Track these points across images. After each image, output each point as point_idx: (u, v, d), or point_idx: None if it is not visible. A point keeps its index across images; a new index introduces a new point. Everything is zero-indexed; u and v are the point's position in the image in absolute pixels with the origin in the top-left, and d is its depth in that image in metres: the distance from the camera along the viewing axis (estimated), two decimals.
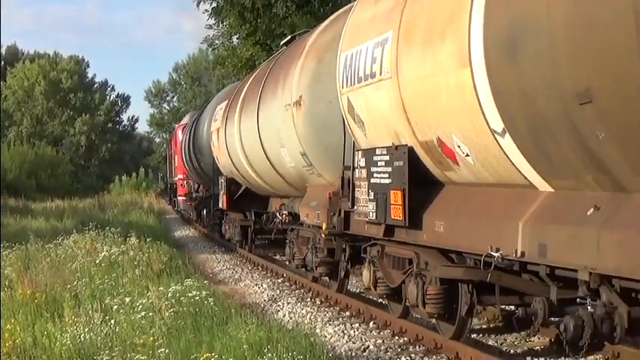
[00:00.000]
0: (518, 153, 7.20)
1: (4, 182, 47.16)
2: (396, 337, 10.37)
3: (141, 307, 10.51)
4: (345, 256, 12.65)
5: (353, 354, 9.58)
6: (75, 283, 13.06)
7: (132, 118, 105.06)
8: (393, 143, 9.40)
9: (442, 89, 7.98)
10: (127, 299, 11.15)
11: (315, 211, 12.81)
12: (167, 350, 8.31)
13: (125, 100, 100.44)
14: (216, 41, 32.07)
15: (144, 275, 13.89)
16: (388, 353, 9.63)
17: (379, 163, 9.70)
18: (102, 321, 10.10)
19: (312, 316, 12.16)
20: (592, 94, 5.86)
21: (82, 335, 9.33)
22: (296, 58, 13.95)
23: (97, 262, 14.91)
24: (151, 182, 75.86)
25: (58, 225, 26.65)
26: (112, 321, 9.99)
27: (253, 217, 20.34)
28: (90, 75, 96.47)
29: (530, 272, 7.74)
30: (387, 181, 9.44)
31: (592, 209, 6.47)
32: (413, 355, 9.48)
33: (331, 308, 12.83)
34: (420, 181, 9.02)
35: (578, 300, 7.04)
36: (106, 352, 8.56)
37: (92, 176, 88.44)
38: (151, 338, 8.86)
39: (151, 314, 10.15)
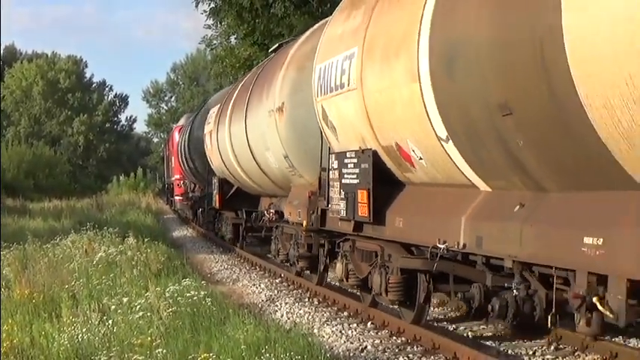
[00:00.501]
0: (460, 157, 8.23)
1: (3, 182, 47.11)
2: (394, 337, 10.37)
3: (139, 307, 10.51)
4: (324, 251, 13.48)
5: (351, 354, 9.58)
6: (73, 283, 13.05)
7: (130, 118, 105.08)
8: (360, 147, 10.41)
9: (397, 100, 9.00)
10: (125, 299, 11.14)
11: (297, 210, 13.76)
12: (165, 350, 8.31)
13: (123, 100, 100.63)
14: (214, 41, 32.09)
15: (142, 275, 13.87)
16: (386, 353, 9.62)
17: (349, 165, 10.67)
18: (99, 321, 10.09)
19: (310, 317, 12.15)
20: (511, 107, 6.86)
21: (80, 335, 9.32)
22: (279, 67, 15.08)
23: (95, 262, 14.89)
24: (149, 182, 75.80)
25: (55, 225, 26.64)
26: (110, 321, 9.98)
27: (244, 216, 21.28)
28: (88, 75, 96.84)
29: (472, 262, 8.72)
30: (356, 181, 10.40)
31: (518, 206, 7.51)
32: (411, 355, 9.48)
33: (329, 308, 12.84)
34: (384, 181, 9.99)
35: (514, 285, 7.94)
36: (104, 352, 8.56)
37: (90, 176, 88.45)
38: (149, 338, 8.86)
39: (148, 314, 10.15)
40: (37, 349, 9.14)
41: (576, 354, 9.35)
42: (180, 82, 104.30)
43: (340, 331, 10.91)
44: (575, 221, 6.72)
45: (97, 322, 10.02)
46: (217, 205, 22.66)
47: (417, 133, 8.82)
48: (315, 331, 10.86)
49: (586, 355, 9.19)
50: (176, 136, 37.98)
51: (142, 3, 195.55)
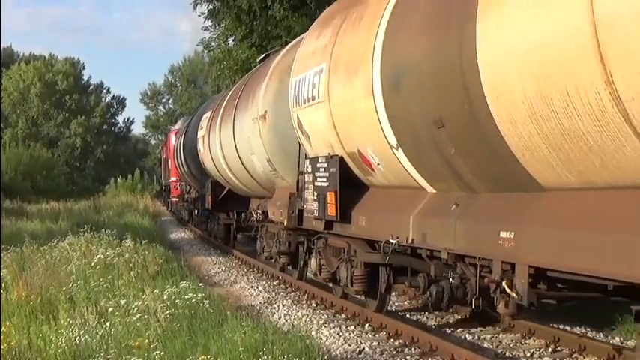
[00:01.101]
0: (409, 163, 9.39)
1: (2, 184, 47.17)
2: (392, 340, 10.40)
3: (136, 309, 10.50)
4: (303, 248, 14.50)
5: (348, 356, 9.61)
6: (70, 285, 13.03)
7: (127, 120, 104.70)
8: (329, 153, 11.52)
9: (357, 112, 10.10)
10: (123, 301, 11.13)
11: (280, 210, 14.76)
12: (162, 353, 8.31)
13: (121, 102, 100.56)
14: (212, 43, 32.08)
15: (139, 277, 13.89)
16: (384, 355, 9.65)
17: (320, 170, 11.77)
18: (97, 323, 10.09)
19: (308, 319, 12.16)
20: (443, 121, 8.04)
21: (78, 337, 9.32)
22: (262, 77, 16.33)
23: (93, 264, 14.87)
24: (147, 184, 75.77)
25: (53, 227, 26.60)
26: (108, 323, 9.97)
27: (235, 216, 22.61)
28: (85, 77, 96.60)
29: (419, 255, 9.82)
30: (326, 184, 11.56)
31: (454, 206, 8.66)
32: (408, 357, 9.52)
33: (327, 310, 12.85)
34: (350, 184, 11.15)
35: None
36: (102, 354, 8.56)
37: (88, 178, 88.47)
38: (147, 340, 8.85)
39: (146, 316, 10.14)
40: (34, 351, 9.13)
41: (574, 356, 9.45)
42: (178, 84, 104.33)
43: (338, 333, 10.93)
44: (495, 218, 7.90)
45: (94, 324, 10.01)
46: (210, 206, 24.05)
47: (373, 141, 9.94)
48: (313, 333, 10.85)
49: (584, 357, 9.21)
50: (173, 139, 38.98)
51: (139, 5, 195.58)
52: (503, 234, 7.55)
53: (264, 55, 19.74)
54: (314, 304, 13.48)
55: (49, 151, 78.14)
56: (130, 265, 14.89)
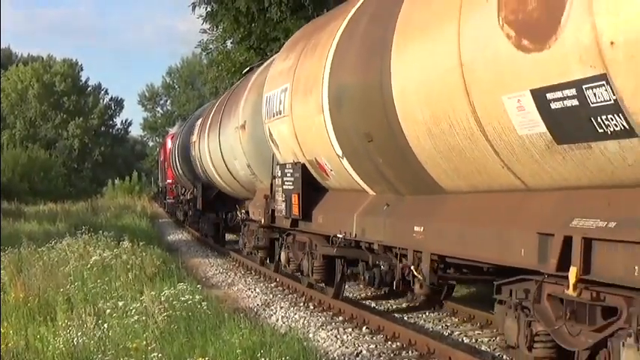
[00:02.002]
0: (352, 170, 11.12)
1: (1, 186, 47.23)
2: (389, 342, 10.40)
3: (134, 311, 10.50)
4: (278, 244, 15.92)
5: (346, 359, 9.60)
6: (68, 286, 13.02)
7: (125, 121, 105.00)
8: (294, 160, 13.20)
9: (312, 126, 11.75)
10: (120, 303, 11.13)
11: (258, 210, 16.11)
12: (160, 354, 8.31)
13: (118, 103, 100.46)
14: (211, 45, 32.06)
15: (137, 279, 13.87)
16: (381, 358, 9.67)
17: (287, 174, 13.44)
18: (95, 325, 10.07)
19: (306, 321, 12.17)
20: (372, 135, 9.74)
21: (75, 339, 9.31)
22: (243, 91, 18.30)
23: (90, 265, 14.87)
24: (144, 186, 75.76)
25: (50, 228, 26.57)
26: (105, 325, 9.97)
27: (224, 216, 24.61)
28: (83, 78, 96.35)
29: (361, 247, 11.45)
30: (291, 187, 13.23)
31: (385, 206, 10.30)
32: (406, 359, 9.49)
33: (324, 313, 12.86)
34: (312, 187, 12.85)
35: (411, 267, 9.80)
36: (99, 356, 8.55)
37: (85, 180, 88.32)
38: (144, 342, 8.85)
39: (143, 318, 10.13)
40: (32, 352, 9.12)
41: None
42: (176, 86, 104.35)
43: (335, 336, 10.94)
44: (411, 215, 9.58)
45: (92, 326, 10.00)
46: (201, 207, 26.25)
47: (325, 151, 11.65)
48: (311, 335, 10.87)
49: None
50: (169, 143, 40.47)
51: (137, 6, 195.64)
52: (416, 228, 9.30)
53: (248, 68, 21.28)
54: (311, 307, 13.49)
55: (46, 152, 78.00)
56: (128, 266, 14.88)
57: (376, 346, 10.23)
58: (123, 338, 9.31)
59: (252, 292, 15.52)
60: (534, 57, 6.05)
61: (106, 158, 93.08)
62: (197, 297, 11.48)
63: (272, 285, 16.32)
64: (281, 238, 15.48)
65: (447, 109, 7.59)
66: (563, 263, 6.15)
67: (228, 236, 26.66)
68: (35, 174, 67.71)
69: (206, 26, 30.64)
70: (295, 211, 13.09)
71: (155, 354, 8.33)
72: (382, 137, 9.46)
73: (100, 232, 20.40)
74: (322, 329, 11.46)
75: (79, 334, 9.51)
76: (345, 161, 11.18)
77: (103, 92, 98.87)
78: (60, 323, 10.42)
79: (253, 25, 27.93)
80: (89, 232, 20.34)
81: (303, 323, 12.00)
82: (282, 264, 15.41)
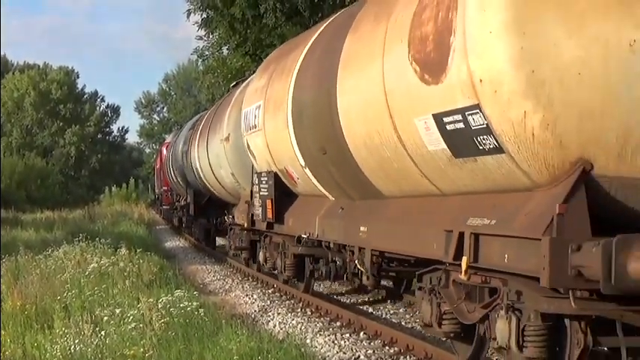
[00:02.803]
0: (314, 178, 12.60)
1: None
2: (387, 348, 10.45)
3: (131, 318, 10.53)
4: (259, 245, 17.41)
5: None
6: (65, 294, 13.07)
7: (122, 128, 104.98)
8: (268, 169, 14.73)
9: (281, 139, 13.22)
10: (118, 310, 11.15)
11: (242, 214, 17.51)
12: None
13: (115, 110, 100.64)
14: (206, 52, 32.07)
15: (134, 286, 13.90)
16: None
17: (263, 182, 15.00)
18: (92, 332, 10.12)
19: (303, 327, 12.19)
20: (325, 149, 11.31)
21: (72, 346, 9.36)
22: (227, 105, 20.47)
23: (87, 273, 14.90)
24: (141, 193, 75.67)
25: (47, 236, 26.67)
26: (103, 332, 10.02)
27: (214, 221, 26.35)
28: (80, 86, 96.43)
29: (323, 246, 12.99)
30: (266, 193, 14.74)
31: (340, 209, 11.89)
32: None
33: (322, 318, 12.92)
34: (284, 193, 14.40)
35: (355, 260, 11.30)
36: None
37: (82, 187, 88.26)
38: (142, 349, 8.88)
39: (141, 325, 10.17)
40: None
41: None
42: (172, 93, 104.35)
43: (333, 341, 10.97)
44: (359, 217, 11.07)
45: (89, 334, 10.04)
46: (193, 212, 28.10)
47: (292, 161, 13.16)
48: (308, 341, 10.91)
49: None
50: (164, 151, 41.84)
51: (132, 14, 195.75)
52: (362, 228, 10.80)
53: (235, 83, 23.05)
54: (309, 313, 13.54)
55: (43, 160, 78.18)
56: (125, 273, 14.93)
57: (374, 352, 10.27)
58: (120, 345, 9.33)
59: (249, 298, 15.55)
60: (433, 88, 7.58)
61: (103, 165, 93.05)
62: (194, 304, 11.52)
63: (269, 291, 16.35)
64: (260, 239, 17.10)
65: (377, 128, 9.18)
66: (459, 254, 7.67)
67: (220, 241, 27.62)
68: (32, 182, 67.82)
69: (202, 33, 30.69)
70: (270, 214, 14.59)
71: None
72: (333, 150, 11.02)
73: (97, 239, 20.46)
74: (320, 335, 11.48)
75: (77, 341, 9.56)
76: (307, 170, 12.70)
77: (99, 100, 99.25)
78: (57, 331, 10.46)
79: (249, 31, 27.98)
80: (86, 239, 20.39)
81: (300, 329, 12.02)
82: (261, 263, 17.08)
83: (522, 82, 6.52)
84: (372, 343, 10.83)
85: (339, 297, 15.24)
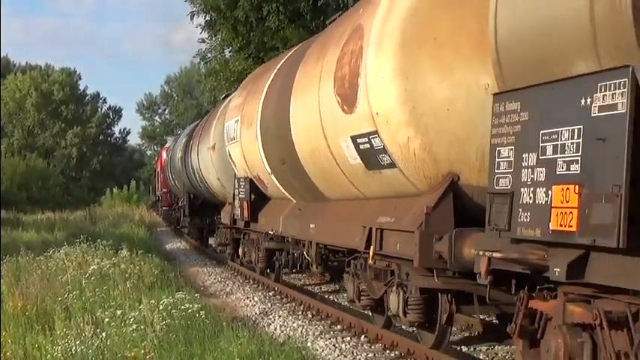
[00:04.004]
0: (279, 183, 15.04)
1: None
2: (387, 351, 10.55)
3: (132, 319, 10.60)
4: (242, 241, 19.86)
5: None
6: (66, 295, 13.14)
7: (123, 130, 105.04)
8: (244, 175, 17.41)
9: (253, 150, 15.83)
10: (119, 312, 11.23)
11: (227, 214, 20.04)
12: None
13: (117, 112, 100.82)
14: (209, 54, 32.08)
15: (135, 288, 13.98)
16: None
17: (241, 186, 17.67)
18: (93, 334, 10.17)
19: (304, 330, 12.29)
20: (284, 159, 13.73)
21: (74, 348, 9.42)
22: (213, 118, 23.54)
23: (88, 274, 14.95)
24: (142, 195, 75.66)
25: (48, 237, 26.85)
26: (104, 334, 10.09)
27: (207, 221, 29.09)
28: (82, 87, 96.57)
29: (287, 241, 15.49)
30: (244, 196, 17.38)
31: (298, 210, 14.27)
32: None
33: (322, 322, 13.00)
34: (260, 196, 17.02)
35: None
36: None
37: (83, 188, 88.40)
38: (143, 351, 8.95)
39: (142, 327, 10.25)
40: None
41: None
42: (174, 95, 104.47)
43: (334, 345, 11.06)
44: (310, 217, 13.46)
45: (90, 335, 10.08)
46: (188, 213, 30.56)
47: (261, 169, 15.70)
48: (309, 344, 11.01)
49: None
50: (164, 155, 44.14)
51: (134, 15, 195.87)
52: (311, 225, 13.18)
53: (224, 95, 25.37)
54: (310, 315, 13.62)
55: (44, 161, 78.36)
56: (126, 275, 15.05)
57: (374, 355, 10.35)
58: (121, 347, 9.38)
59: (250, 300, 15.63)
60: (349, 117, 9.98)
61: (104, 167, 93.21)
62: (195, 306, 11.60)
63: (270, 294, 16.47)
64: (240, 236, 19.74)
65: (317, 145, 11.70)
66: (369, 244, 10.02)
67: (213, 240, 28.99)
68: (33, 183, 67.89)
69: (204, 35, 30.75)
70: (246, 215, 17.24)
71: None
72: (290, 161, 13.41)
73: (98, 241, 20.56)
74: (320, 338, 11.56)
75: (78, 343, 9.62)
76: (273, 177, 15.19)
77: (101, 101, 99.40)
78: (58, 332, 10.51)
79: (252, 34, 28.15)
80: (87, 241, 20.50)
81: (301, 332, 12.12)
82: (241, 257, 19.83)
83: (406, 115, 8.82)
84: (372, 347, 10.91)
85: (341, 300, 15.24)
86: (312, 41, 13.53)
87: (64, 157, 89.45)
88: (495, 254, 6.80)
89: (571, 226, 5.73)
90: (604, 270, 5.73)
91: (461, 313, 9.64)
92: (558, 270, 6.00)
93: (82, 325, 10.59)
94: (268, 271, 17.70)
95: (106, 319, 10.92)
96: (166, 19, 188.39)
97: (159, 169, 48.69)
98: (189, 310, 11.28)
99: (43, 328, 11.10)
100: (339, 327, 12.50)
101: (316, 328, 12.44)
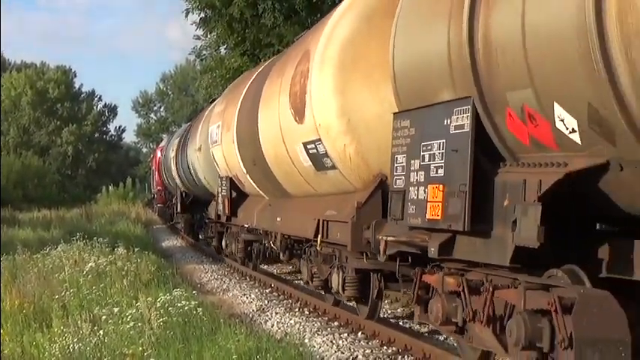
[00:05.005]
0: (253, 182, 16.91)
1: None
2: (385, 347, 10.59)
3: (129, 317, 10.64)
4: (225, 234, 21.89)
5: None
6: (63, 293, 13.18)
7: (119, 128, 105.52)
8: (225, 175, 19.36)
9: (231, 153, 17.77)
10: (116, 309, 11.29)
11: (212, 210, 21.95)
12: None
13: (112, 110, 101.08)
14: (204, 52, 32.06)
15: (132, 285, 14.06)
16: None
17: (223, 184, 19.61)
18: (90, 331, 10.21)
19: (301, 326, 12.36)
20: (256, 162, 15.49)
21: (71, 345, 9.45)
22: (199, 122, 25.99)
23: (85, 272, 15.00)
24: (138, 192, 75.65)
25: (45, 235, 26.81)
26: (101, 331, 10.12)
27: (197, 217, 30.73)
28: (77, 85, 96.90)
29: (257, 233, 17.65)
30: (225, 193, 19.32)
31: (269, 205, 16.07)
32: None
33: (320, 318, 13.09)
34: (240, 193, 18.93)
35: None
36: None
37: (79, 186, 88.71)
38: (140, 348, 8.97)
39: (139, 324, 10.30)
40: (28, 359, 9.14)
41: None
42: (170, 92, 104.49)
43: (331, 341, 11.11)
44: (277, 211, 15.26)
45: (87, 332, 10.13)
46: (180, 210, 32.57)
47: (239, 169, 17.54)
48: (306, 341, 11.11)
49: None
50: (158, 153, 45.54)
51: (129, 13, 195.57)
52: (278, 219, 14.96)
53: (211, 100, 27.11)
54: (307, 312, 13.70)
55: (40, 159, 78.79)
56: (123, 273, 15.12)
57: (372, 351, 10.41)
58: (119, 344, 9.41)
59: (247, 297, 15.69)
60: (300, 126, 11.88)
61: (100, 165, 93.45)
62: (192, 303, 11.67)
63: (267, 291, 16.55)
64: (223, 230, 21.87)
65: (279, 150, 13.55)
66: (317, 234, 11.89)
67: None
68: (29, 181, 68.27)
69: (199, 32, 30.73)
70: (227, 210, 19.14)
71: None
72: (259, 162, 15.27)
73: (95, 238, 20.59)
74: (318, 334, 11.62)
75: (75, 340, 9.66)
76: (248, 176, 17.09)
77: (96, 99, 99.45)
78: (55, 330, 10.55)
79: (247, 31, 28.18)
80: (84, 238, 20.50)
81: (298, 329, 12.19)
82: (224, 248, 21.90)
83: (343, 126, 10.71)
84: (370, 343, 10.98)
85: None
86: (278, 59, 15.66)
87: (59, 155, 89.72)
88: (390, 238, 8.88)
89: (438, 216, 7.72)
90: (462, 248, 7.72)
91: (388, 290, 11.47)
92: (433, 249, 7.95)
93: (79, 322, 10.65)
94: (247, 260, 19.65)
95: (104, 317, 10.98)
96: (162, 16, 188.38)
97: (154, 167, 49.97)
98: (187, 308, 11.35)
99: (41, 326, 11.16)
100: (336, 323, 12.67)
101: (313, 325, 12.60)
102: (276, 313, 13.79)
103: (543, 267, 7.19)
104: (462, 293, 7.98)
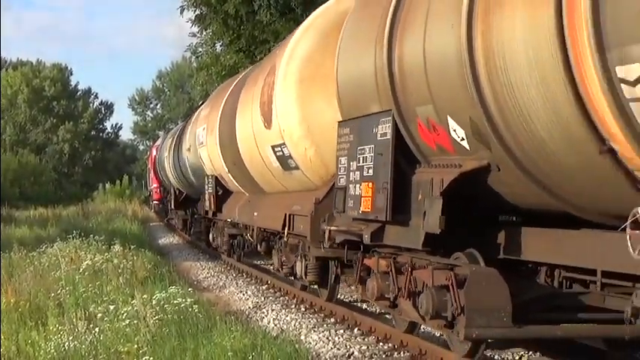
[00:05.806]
0: (235, 180, 18.69)
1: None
2: (381, 344, 10.60)
3: (125, 314, 10.66)
4: (211, 229, 23.72)
5: None
6: (59, 291, 13.18)
7: (115, 125, 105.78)
8: (211, 174, 21.13)
9: (215, 154, 19.58)
10: (112, 307, 11.33)
11: (201, 206, 23.70)
12: (152, 358, 8.67)
13: (109, 107, 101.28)
14: (200, 49, 32.05)
15: (128, 283, 14.13)
16: (373, 359, 9.64)
17: (209, 183, 21.32)
18: (86, 329, 10.22)
19: (297, 323, 12.39)
20: (235, 162, 17.33)
21: (67, 343, 9.44)
22: (188, 125, 28.31)
23: (81, 270, 15.00)
24: (135, 190, 75.59)
25: (41, 233, 26.90)
26: (97, 329, 10.15)
27: (189, 213, 32.24)
28: (73, 83, 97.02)
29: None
30: (211, 191, 21.09)
31: (249, 201, 17.79)
32: None
33: (316, 315, 13.11)
34: (225, 191, 20.70)
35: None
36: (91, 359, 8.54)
37: (76, 184, 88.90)
38: (136, 346, 8.97)
39: (135, 322, 10.29)
40: (23, 357, 9.22)
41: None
42: (166, 90, 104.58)
43: (327, 338, 11.14)
44: (255, 206, 16.87)
45: (83, 330, 10.14)
46: (173, 206, 34.23)
47: (222, 168, 19.29)
48: (302, 337, 11.15)
49: None
50: (154, 151, 46.95)
51: (125, 10, 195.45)
52: (255, 213, 16.55)
53: (201, 102, 29.19)
54: (303, 309, 13.74)
55: (36, 157, 78.90)
56: (119, 270, 15.18)
57: (368, 348, 10.41)
58: (114, 342, 9.43)
59: (243, 294, 15.73)
60: (269, 131, 13.57)
61: (97, 162, 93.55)
62: (188, 300, 11.73)
63: (263, 287, 16.60)
64: (210, 225, 23.70)
65: (253, 152, 15.26)
66: (284, 226, 13.48)
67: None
68: (25, 179, 68.37)
69: (195, 29, 30.73)
70: (213, 206, 20.87)
71: (147, 357, 8.57)
72: (238, 163, 17.03)
73: (91, 236, 20.67)
74: (314, 331, 11.64)
75: (71, 338, 9.67)
76: (230, 175, 18.85)
77: (92, 96, 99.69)
78: (51, 328, 10.56)
79: (242, 28, 28.27)
80: (80, 236, 20.59)
81: (294, 325, 12.22)
82: (212, 242, 23.50)
83: (303, 132, 12.41)
84: (366, 339, 10.99)
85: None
86: (254, 69, 17.44)
87: (56, 152, 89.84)
88: (332, 227, 10.74)
89: (369, 208, 9.38)
90: (390, 236, 9.38)
91: (345, 275, 12.78)
92: (367, 236, 9.64)
93: (75, 320, 10.65)
94: (232, 252, 21.05)
95: (99, 315, 11.00)
96: (157, 14, 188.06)
97: (150, 165, 51.04)
98: (183, 305, 11.41)
99: (36, 323, 11.14)
100: (332, 320, 12.71)
101: (309, 322, 12.63)
102: (272, 310, 13.87)
103: (454, 251, 8.73)
104: (390, 273, 9.61)
